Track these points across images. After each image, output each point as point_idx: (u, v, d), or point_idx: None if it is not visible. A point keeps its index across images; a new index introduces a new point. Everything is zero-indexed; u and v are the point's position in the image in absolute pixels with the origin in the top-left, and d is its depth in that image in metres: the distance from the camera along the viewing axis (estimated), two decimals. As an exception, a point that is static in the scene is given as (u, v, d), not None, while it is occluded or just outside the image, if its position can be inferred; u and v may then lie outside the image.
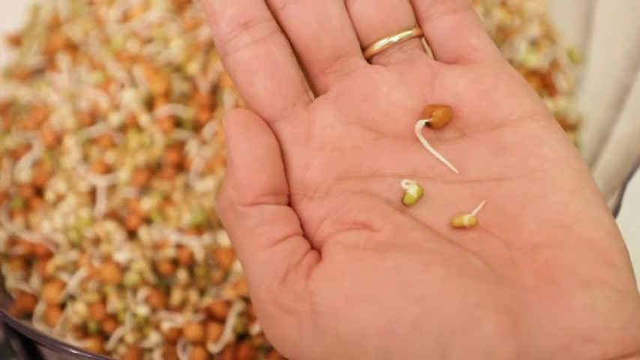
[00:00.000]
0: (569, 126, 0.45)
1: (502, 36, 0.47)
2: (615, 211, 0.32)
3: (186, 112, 0.45)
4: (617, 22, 0.42)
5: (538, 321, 0.24)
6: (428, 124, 0.28)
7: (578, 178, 0.26)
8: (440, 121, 0.28)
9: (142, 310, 0.40)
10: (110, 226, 0.42)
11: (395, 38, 0.29)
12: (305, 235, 0.27)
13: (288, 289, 0.25)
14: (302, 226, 0.27)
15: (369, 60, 0.30)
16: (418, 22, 0.30)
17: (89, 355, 0.29)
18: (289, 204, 0.28)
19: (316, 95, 0.30)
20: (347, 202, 0.27)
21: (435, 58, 0.30)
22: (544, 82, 0.46)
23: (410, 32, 0.29)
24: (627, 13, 0.40)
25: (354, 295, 0.24)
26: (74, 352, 0.29)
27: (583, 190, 0.26)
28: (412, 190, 0.27)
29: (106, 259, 0.41)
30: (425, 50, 0.30)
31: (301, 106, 0.28)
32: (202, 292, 0.41)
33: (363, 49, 0.30)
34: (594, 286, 0.24)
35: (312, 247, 0.27)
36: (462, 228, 0.26)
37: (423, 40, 0.30)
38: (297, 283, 0.25)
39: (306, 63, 0.29)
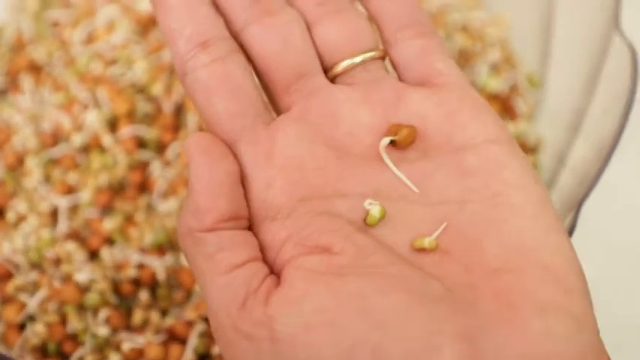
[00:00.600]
0: (528, 148, 0.46)
1: (463, 60, 0.48)
2: (570, 231, 0.33)
3: (150, 133, 0.45)
4: (573, 49, 0.43)
5: (495, 347, 0.24)
6: (392, 142, 0.28)
7: (538, 203, 0.27)
8: (404, 140, 0.28)
9: (103, 331, 0.39)
10: (71, 246, 0.41)
11: (358, 59, 0.30)
12: (265, 259, 0.27)
13: (247, 314, 0.25)
14: (263, 249, 0.27)
15: (332, 81, 0.30)
16: (384, 46, 0.30)
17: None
18: (250, 226, 0.28)
19: (279, 115, 0.30)
20: (309, 224, 0.26)
21: (401, 81, 0.30)
22: (504, 106, 0.47)
23: (373, 53, 0.30)
24: (583, 41, 0.41)
25: (313, 321, 0.24)
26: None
27: (544, 216, 0.26)
28: (375, 211, 0.27)
29: (67, 279, 0.41)
30: (387, 71, 0.30)
31: (262, 125, 0.28)
32: (164, 313, 0.41)
33: (327, 70, 0.30)
34: (551, 311, 0.24)
35: (273, 271, 0.27)
36: (422, 250, 0.26)
37: (387, 63, 0.30)
38: (256, 308, 0.25)
39: (269, 82, 0.29)
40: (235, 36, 0.30)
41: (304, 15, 0.30)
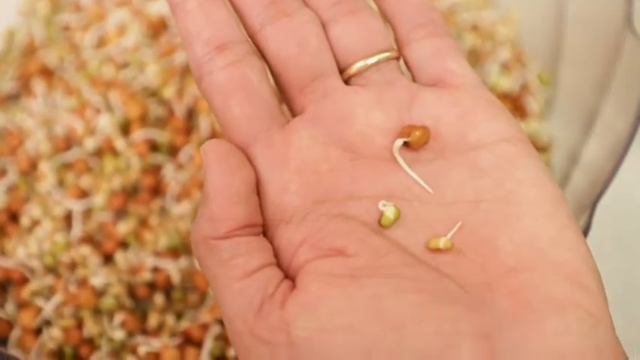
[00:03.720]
0: (540, 147, 0.45)
1: (473, 60, 0.48)
2: (585, 231, 0.32)
3: (162, 136, 0.45)
4: (585, 47, 0.43)
5: (513, 345, 0.24)
6: (406, 144, 0.28)
7: (552, 202, 0.27)
8: (418, 141, 0.28)
9: (119, 335, 0.39)
10: (86, 250, 0.42)
11: (372, 60, 0.30)
12: (280, 263, 0.27)
13: (264, 320, 0.25)
14: (277, 253, 0.27)
15: (347, 82, 0.30)
16: (398, 46, 0.30)
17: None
18: (264, 230, 0.28)
19: (294, 115, 0.30)
20: (324, 227, 0.26)
21: (414, 81, 0.30)
22: (515, 105, 0.47)
23: (387, 54, 0.30)
24: (595, 39, 0.41)
25: (329, 325, 0.24)
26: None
27: (558, 215, 0.26)
28: (389, 212, 0.27)
29: (82, 283, 0.41)
30: (402, 73, 0.30)
31: (277, 128, 0.28)
32: (179, 316, 0.41)
33: (341, 70, 0.30)
34: (567, 309, 0.24)
35: (287, 276, 0.27)
36: (437, 250, 0.26)
37: (401, 63, 0.31)
38: (273, 314, 0.25)
39: (284, 83, 0.30)
40: (252, 37, 0.30)
41: (319, 15, 0.30)
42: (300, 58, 0.29)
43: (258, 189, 0.28)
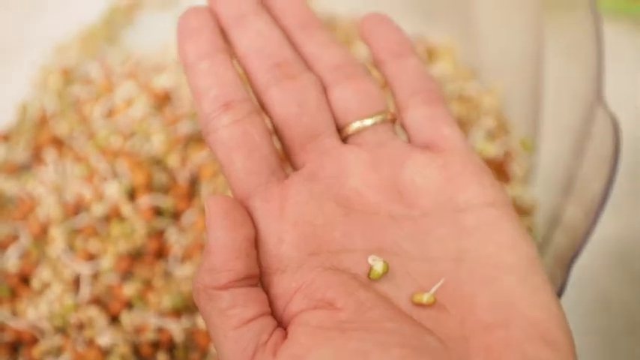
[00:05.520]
0: (523, 210, 0.48)
1: (460, 127, 0.51)
2: (561, 289, 0.34)
3: (166, 202, 0.47)
4: (563, 116, 0.45)
5: None
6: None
7: (529, 265, 0.29)
8: None
9: (124, 392, 0.41)
10: (93, 311, 0.43)
11: (368, 122, 0.32)
12: (274, 310, 0.29)
13: None
14: (272, 300, 0.29)
15: (344, 140, 0.32)
16: (397, 109, 0.33)
17: None
18: (260, 277, 0.29)
19: (295, 170, 0.32)
20: (316, 278, 0.28)
21: (410, 142, 0.32)
22: (499, 170, 0.49)
23: (383, 116, 0.32)
24: (570, 110, 0.44)
25: None
26: None
27: (533, 278, 0.28)
28: (378, 266, 0.29)
29: (90, 343, 0.43)
30: (397, 134, 0.32)
31: (276, 182, 0.30)
32: (181, 373, 0.43)
33: (340, 129, 0.32)
34: None
35: (280, 323, 0.28)
36: (421, 305, 0.28)
37: (397, 125, 0.33)
38: None
39: (286, 140, 0.32)
40: (258, 96, 0.32)
41: (322, 78, 0.33)
42: (301, 118, 0.31)
43: (255, 239, 0.29)
